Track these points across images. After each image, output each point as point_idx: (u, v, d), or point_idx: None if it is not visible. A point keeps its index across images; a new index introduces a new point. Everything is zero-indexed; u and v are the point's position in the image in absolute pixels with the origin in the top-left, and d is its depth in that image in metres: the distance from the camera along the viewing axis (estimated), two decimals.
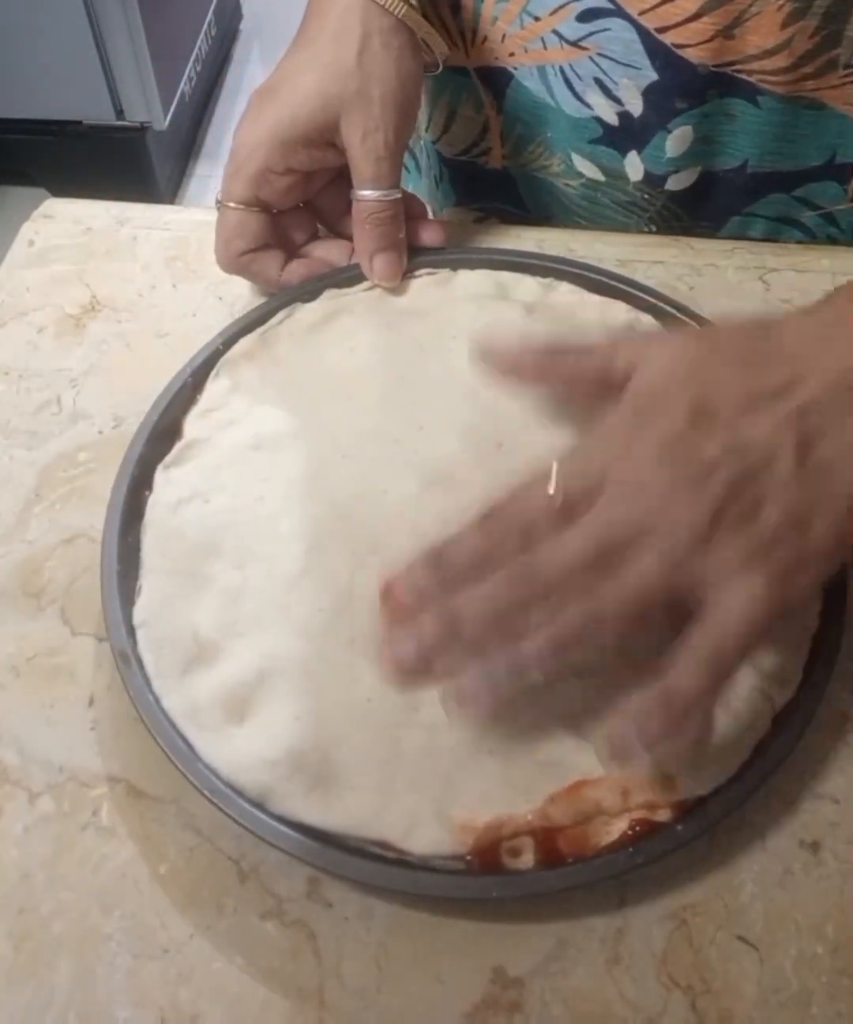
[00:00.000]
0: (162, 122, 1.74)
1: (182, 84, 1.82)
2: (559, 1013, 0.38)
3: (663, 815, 0.39)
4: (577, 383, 0.41)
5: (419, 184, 0.76)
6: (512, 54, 0.58)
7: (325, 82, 0.49)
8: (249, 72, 2.14)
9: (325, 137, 0.50)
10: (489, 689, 0.35)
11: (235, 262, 0.53)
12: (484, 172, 0.67)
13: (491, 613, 0.35)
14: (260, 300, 0.54)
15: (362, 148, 0.50)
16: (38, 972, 0.39)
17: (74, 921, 0.40)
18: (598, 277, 0.53)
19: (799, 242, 0.62)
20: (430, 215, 0.75)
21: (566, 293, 0.53)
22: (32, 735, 0.44)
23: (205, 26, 1.94)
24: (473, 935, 0.39)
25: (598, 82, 0.55)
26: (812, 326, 0.38)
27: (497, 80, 0.60)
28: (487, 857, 0.38)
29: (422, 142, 0.71)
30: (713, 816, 0.39)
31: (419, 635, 0.35)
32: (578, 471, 0.36)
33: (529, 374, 0.42)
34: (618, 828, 0.39)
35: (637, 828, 0.38)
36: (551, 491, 0.35)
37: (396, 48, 0.50)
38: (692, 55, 0.52)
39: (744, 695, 0.41)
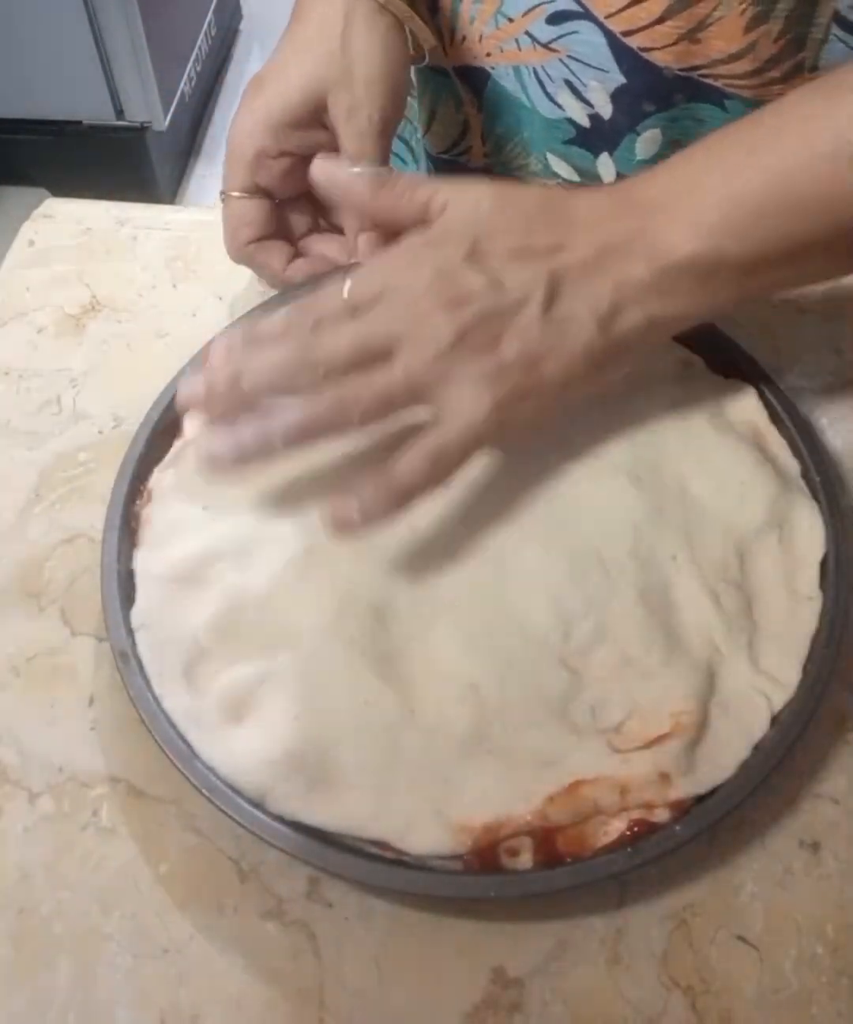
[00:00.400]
0: (162, 122, 1.74)
1: (182, 84, 1.82)
2: (559, 1013, 0.38)
3: (661, 815, 0.39)
4: (397, 216, 0.45)
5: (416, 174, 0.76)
6: (489, 54, 0.58)
7: (311, 65, 0.50)
8: (249, 72, 2.13)
9: (315, 119, 0.51)
10: (234, 449, 0.41)
11: (242, 251, 0.53)
12: (467, 171, 0.67)
13: (265, 375, 0.40)
14: (259, 300, 0.54)
15: (348, 127, 0.50)
16: (38, 972, 0.39)
17: (74, 921, 0.40)
18: None
19: None
20: None
21: None
22: (32, 735, 0.44)
23: (205, 26, 1.94)
24: (473, 935, 0.39)
25: (568, 84, 0.56)
26: (601, 205, 0.42)
27: (476, 79, 0.60)
28: (485, 857, 0.38)
29: (416, 136, 0.71)
30: (711, 816, 0.39)
31: (208, 380, 0.41)
32: (365, 280, 0.41)
33: (357, 200, 0.47)
34: (616, 828, 0.39)
35: (635, 828, 0.38)
36: (345, 293, 0.41)
37: (381, 30, 0.51)
38: (658, 58, 0.52)
39: (742, 695, 0.41)
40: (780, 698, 0.41)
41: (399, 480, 0.40)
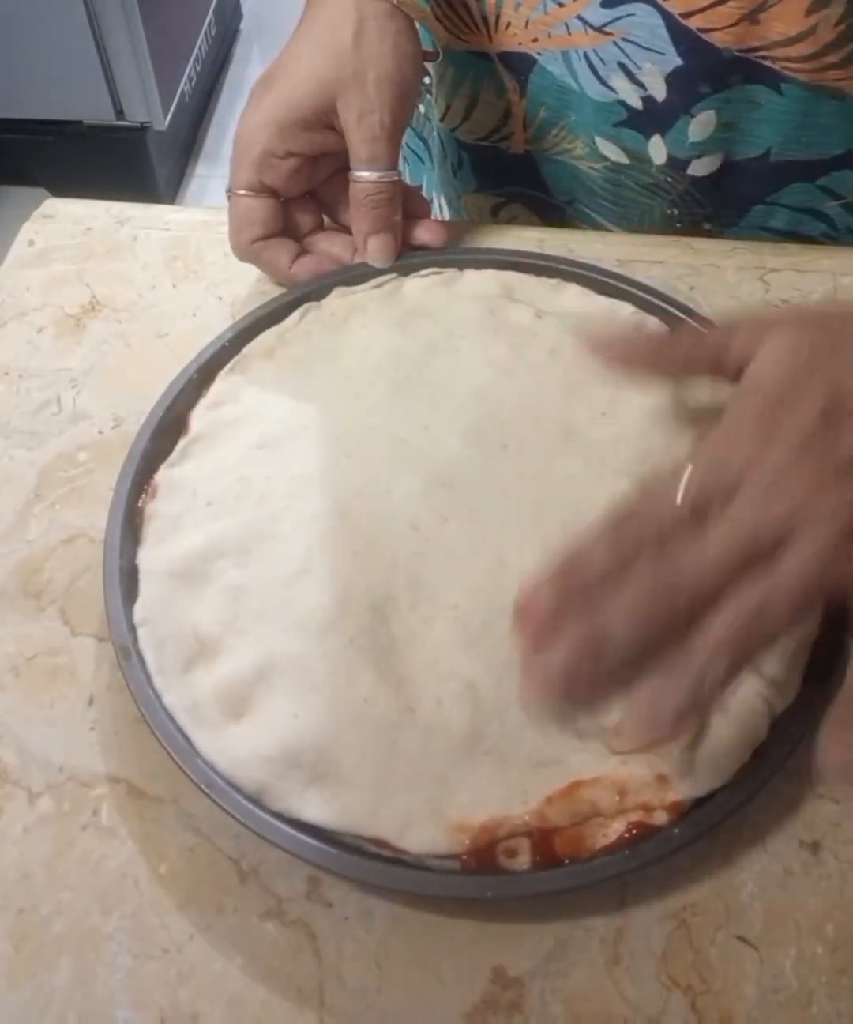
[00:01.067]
0: (162, 122, 1.74)
1: (182, 84, 1.82)
2: (559, 1013, 0.38)
3: (659, 818, 0.38)
4: (689, 371, 0.42)
5: (431, 174, 0.76)
6: (536, 40, 0.58)
7: (321, 66, 0.50)
8: (249, 72, 2.13)
9: (323, 120, 0.51)
10: (671, 710, 0.31)
11: (248, 250, 0.54)
12: (506, 157, 0.67)
13: (639, 628, 0.32)
14: (259, 300, 0.54)
15: (358, 129, 0.50)
16: (38, 972, 0.39)
17: (74, 921, 0.40)
18: (602, 278, 0.53)
19: (799, 243, 0.62)
20: (442, 207, 0.75)
21: (574, 295, 0.53)
22: (32, 735, 0.44)
23: (205, 26, 1.94)
24: (473, 935, 0.39)
25: (622, 67, 0.56)
26: None
27: (520, 65, 0.60)
28: (483, 857, 0.38)
29: (435, 132, 0.71)
30: (709, 821, 0.39)
31: (562, 658, 0.31)
32: (712, 471, 0.34)
33: (641, 364, 0.41)
34: (615, 830, 0.38)
35: (633, 831, 0.38)
36: (680, 493, 0.33)
37: (392, 32, 0.51)
38: (717, 39, 0.52)
39: (743, 700, 0.41)
40: (781, 703, 0.41)
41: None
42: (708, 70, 0.54)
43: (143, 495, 0.46)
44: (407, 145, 0.75)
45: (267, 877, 0.40)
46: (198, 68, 1.91)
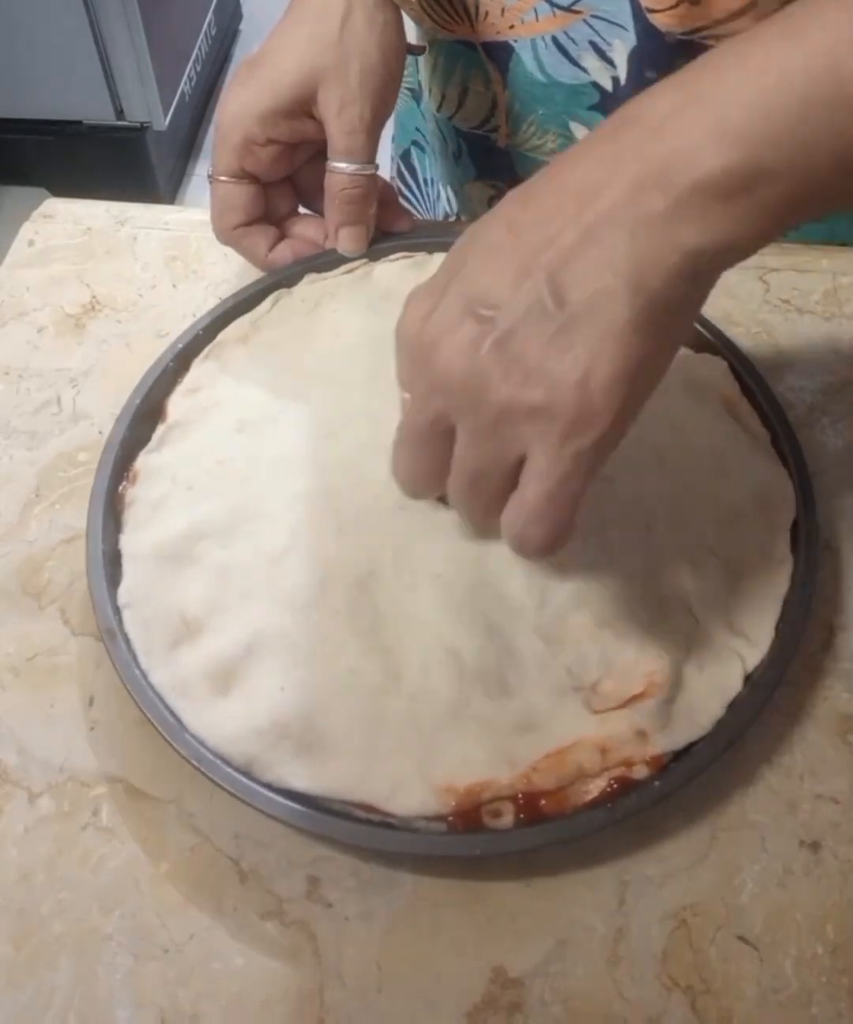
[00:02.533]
0: (162, 122, 1.74)
1: (182, 84, 1.82)
2: (559, 1013, 0.38)
3: (640, 772, 0.39)
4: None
5: (436, 165, 0.76)
6: (512, 26, 0.57)
7: (306, 55, 0.50)
8: None
9: (304, 109, 0.51)
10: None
11: (229, 235, 0.54)
12: (496, 150, 0.67)
13: (402, 467, 0.39)
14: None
15: (338, 121, 0.50)
16: (38, 972, 0.39)
17: (74, 921, 0.40)
18: None
19: (794, 241, 0.62)
20: (450, 198, 0.75)
21: None
22: (32, 735, 0.44)
23: (205, 26, 1.94)
24: (473, 935, 0.39)
25: (593, 45, 0.55)
26: (591, 156, 0.34)
27: (500, 54, 0.60)
28: (469, 818, 0.39)
29: (435, 121, 0.71)
30: (688, 771, 0.40)
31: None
32: (401, 373, 0.38)
33: None
34: (597, 786, 0.39)
35: (615, 786, 0.39)
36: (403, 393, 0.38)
37: (380, 24, 0.50)
38: (661, 21, 0.51)
39: (717, 655, 0.42)
40: (753, 658, 0.42)
41: (523, 544, 0.36)
42: (655, 53, 0.53)
43: (123, 482, 0.47)
44: (411, 138, 0.75)
45: (267, 877, 0.40)
46: (198, 68, 1.91)
